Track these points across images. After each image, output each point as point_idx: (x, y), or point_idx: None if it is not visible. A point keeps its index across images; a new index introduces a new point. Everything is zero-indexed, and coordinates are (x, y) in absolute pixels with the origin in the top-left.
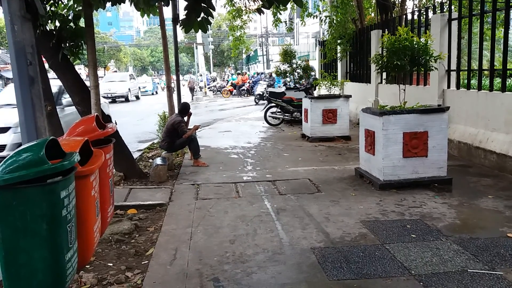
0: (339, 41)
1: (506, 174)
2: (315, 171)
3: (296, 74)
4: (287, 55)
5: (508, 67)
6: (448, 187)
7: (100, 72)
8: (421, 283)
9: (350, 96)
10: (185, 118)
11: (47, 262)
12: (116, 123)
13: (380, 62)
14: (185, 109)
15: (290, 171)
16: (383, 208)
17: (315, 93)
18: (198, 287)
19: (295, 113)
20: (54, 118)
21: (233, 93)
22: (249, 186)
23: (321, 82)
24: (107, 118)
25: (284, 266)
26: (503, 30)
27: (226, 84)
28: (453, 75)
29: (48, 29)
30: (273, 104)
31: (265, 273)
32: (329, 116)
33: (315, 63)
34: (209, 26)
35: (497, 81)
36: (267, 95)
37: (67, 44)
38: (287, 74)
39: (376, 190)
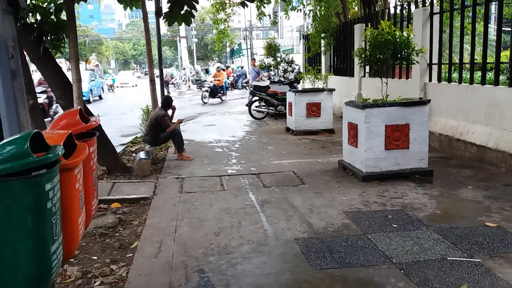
0: (323, 35)
1: (486, 165)
2: (299, 164)
3: (280, 67)
4: (271, 49)
5: (488, 61)
6: (429, 178)
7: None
8: (402, 271)
9: (334, 89)
10: (170, 112)
11: (33, 254)
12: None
13: (363, 55)
14: (167, 102)
15: (274, 164)
16: (365, 199)
17: (299, 87)
18: (183, 278)
19: (280, 106)
20: (37, 112)
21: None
22: (233, 179)
23: (305, 76)
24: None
25: (268, 257)
26: (483, 24)
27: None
28: (435, 68)
29: (29, 22)
30: (257, 98)
31: (249, 264)
32: (313, 110)
33: (299, 57)
34: (192, 19)
35: (478, 74)
36: (251, 88)
37: (49, 37)
38: (271, 68)
39: (358, 181)
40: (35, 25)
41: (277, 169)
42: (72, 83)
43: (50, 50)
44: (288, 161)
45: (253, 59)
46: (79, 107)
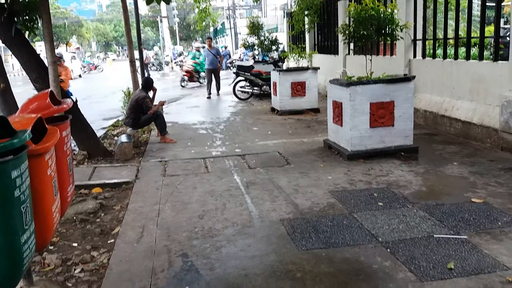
0: (306, 13)
1: (471, 141)
2: (285, 144)
3: (264, 46)
4: (254, 27)
5: (472, 36)
6: (415, 155)
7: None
8: (388, 250)
9: (318, 68)
10: (151, 94)
11: (1, 245)
12: (76, 100)
13: (347, 32)
14: (148, 84)
15: (259, 145)
16: (351, 178)
17: (284, 66)
18: (167, 263)
19: (264, 86)
20: (9, 95)
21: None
22: (218, 161)
23: (289, 55)
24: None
25: (253, 239)
26: None
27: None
28: (419, 44)
29: None
30: (241, 78)
31: (234, 247)
32: (298, 89)
33: (283, 36)
34: None
35: (462, 50)
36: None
37: (21, 18)
38: (255, 47)
39: (344, 160)
40: (5, 6)
41: (262, 150)
42: (47, 65)
43: (22, 31)
44: (273, 141)
45: (209, 38)
46: (49, 89)
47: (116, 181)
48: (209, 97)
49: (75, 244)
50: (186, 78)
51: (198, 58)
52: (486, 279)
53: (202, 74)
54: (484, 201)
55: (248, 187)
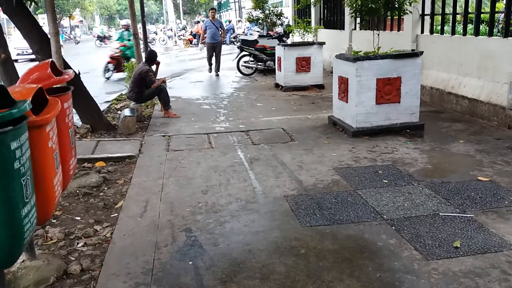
0: None
1: (477, 119)
2: (289, 121)
3: (269, 20)
4: (259, 1)
5: (482, 11)
6: (420, 132)
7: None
8: (393, 227)
9: (324, 43)
10: (154, 68)
11: (2, 217)
12: (79, 73)
13: (354, 5)
14: (152, 57)
15: (263, 121)
16: (355, 155)
17: (289, 41)
18: (170, 238)
19: (269, 62)
20: (10, 66)
21: (193, 43)
22: (222, 137)
23: (294, 29)
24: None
25: (257, 215)
26: None
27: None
28: (427, 20)
29: None
30: (246, 53)
31: (238, 222)
32: (303, 64)
33: (288, 11)
34: None
35: (470, 27)
36: (239, 43)
37: None
38: (260, 21)
39: (349, 137)
40: None
41: (266, 126)
42: (49, 36)
43: (24, 1)
44: (277, 117)
45: (212, 9)
46: (50, 59)
47: (119, 155)
48: (210, 71)
49: (78, 218)
50: (111, 66)
51: (129, 40)
52: (492, 259)
53: (133, 60)
54: (491, 179)
55: (252, 163)
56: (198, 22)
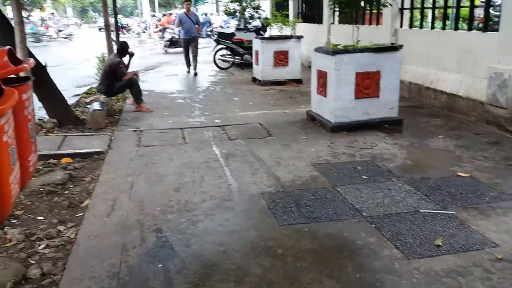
0: None
1: (456, 114)
2: (266, 115)
3: (246, 14)
4: None
5: (461, 5)
6: (399, 128)
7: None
8: (373, 225)
9: (302, 37)
10: (127, 59)
11: None
12: (46, 65)
13: None
14: (123, 49)
15: (240, 116)
16: (334, 150)
17: (267, 35)
18: (139, 239)
19: (246, 55)
20: None
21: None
22: (196, 132)
23: (272, 22)
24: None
25: (232, 213)
26: None
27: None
28: (406, 14)
29: None
30: (222, 46)
31: (212, 221)
32: (281, 58)
33: (266, 4)
34: None
35: (449, 22)
36: (215, 36)
37: None
38: (237, 14)
39: (327, 132)
40: None
41: (243, 121)
42: (13, 25)
43: None
44: (255, 112)
45: (187, 1)
46: (7, 47)
47: (87, 150)
48: (188, 71)
49: (41, 218)
50: (168, 44)
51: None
52: (475, 256)
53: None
54: (471, 175)
55: (228, 159)
56: (165, 15)
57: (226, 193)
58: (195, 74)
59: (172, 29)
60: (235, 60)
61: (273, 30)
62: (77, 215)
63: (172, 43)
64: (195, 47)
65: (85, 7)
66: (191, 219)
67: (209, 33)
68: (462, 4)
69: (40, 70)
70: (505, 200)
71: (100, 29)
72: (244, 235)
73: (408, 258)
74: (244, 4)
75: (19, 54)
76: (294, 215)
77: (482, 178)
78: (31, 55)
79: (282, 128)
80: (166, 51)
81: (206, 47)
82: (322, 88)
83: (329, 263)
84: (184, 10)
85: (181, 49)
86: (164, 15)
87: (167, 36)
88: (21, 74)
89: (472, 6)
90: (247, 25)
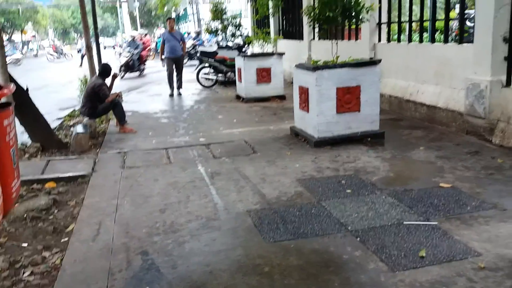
0: None
1: (436, 126)
2: (251, 132)
3: (228, 31)
4: (218, 12)
5: (437, 18)
6: (381, 141)
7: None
8: (358, 239)
9: (284, 53)
10: (109, 81)
11: None
12: (27, 89)
13: (312, 14)
14: (105, 70)
15: (225, 134)
16: (318, 165)
17: (248, 52)
18: (125, 262)
19: (229, 73)
20: None
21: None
22: (181, 151)
23: (253, 40)
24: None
25: (218, 232)
26: None
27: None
28: (384, 29)
29: None
30: (205, 64)
31: (198, 242)
32: (263, 75)
33: (247, 22)
34: None
35: (426, 35)
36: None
37: None
38: (219, 32)
39: (311, 147)
40: None
41: (228, 138)
42: None
43: None
44: (239, 129)
45: (170, 19)
46: None
47: (71, 174)
48: (171, 95)
49: (25, 245)
50: (122, 69)
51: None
52: (458, 266)
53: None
54: (452, 185)
55: (213, 178)
56: (146, 34)
57: (212, 212)
58: (179, 94)
59: (129, 51)
60: (218, 78)
61: (255, 48)
62: (62, 240)
63: (128, 67)
64: (180, 66)
65: (67, 28)
66: (177, 240)
67: (191, 52)
68: (438, 17)
69: (22, 95)
70: (486, 209)
71: (78, 50)
72: (230, 254)
73: (393, 270)
74: (226, 22)
75: None
76: (280, 232)
77: (463, 188)
78: (11, 79)
79: (266, 144)
80: (122, 77)
81: (190, 66)
82: (305, 103)
83: (315, 279)
84: (164, 29)
85: (137, 72)
86: (145, 34)
87: (122, 60)
88: (2, 100)
89: (447, 19)
90: (229, 43)
